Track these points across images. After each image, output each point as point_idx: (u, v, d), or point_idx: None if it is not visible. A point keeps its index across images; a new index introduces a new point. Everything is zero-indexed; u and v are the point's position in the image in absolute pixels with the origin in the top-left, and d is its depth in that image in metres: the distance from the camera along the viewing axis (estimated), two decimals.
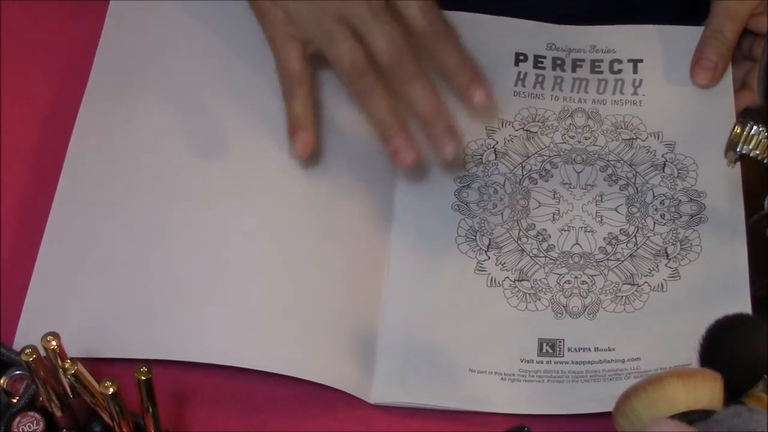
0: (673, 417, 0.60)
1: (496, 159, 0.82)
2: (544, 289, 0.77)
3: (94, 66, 0.85)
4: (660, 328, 0.75)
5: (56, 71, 0.86)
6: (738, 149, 0.75)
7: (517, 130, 0.84)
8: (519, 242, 0.79)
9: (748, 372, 0.66)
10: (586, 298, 0.77)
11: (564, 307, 0.76)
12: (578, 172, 0.82)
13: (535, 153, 0.83)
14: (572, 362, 0.74)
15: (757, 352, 0.65)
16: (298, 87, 0.77)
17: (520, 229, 0.80)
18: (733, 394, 0.65)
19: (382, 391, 0.74)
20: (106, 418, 0.67)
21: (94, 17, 0.86)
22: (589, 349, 0.75)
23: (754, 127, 0.74)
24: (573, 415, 0.73)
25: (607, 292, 0.77)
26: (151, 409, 0.65)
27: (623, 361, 0.74)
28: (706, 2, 0.85)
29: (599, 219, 0.80)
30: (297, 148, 0.77)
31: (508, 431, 0.69)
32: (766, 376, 0.66)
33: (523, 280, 0.78)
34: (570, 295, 0.77)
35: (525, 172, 0.82)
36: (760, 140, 0.74)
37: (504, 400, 0.74)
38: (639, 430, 0.61)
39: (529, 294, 0.77)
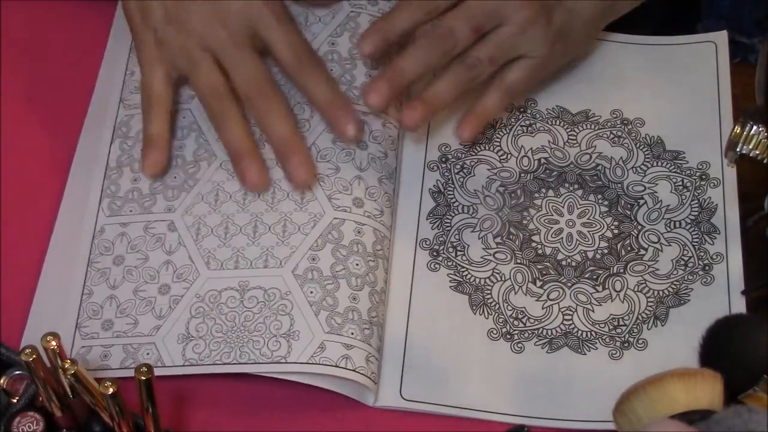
0: (673, 417, 0.60)
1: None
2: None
3: (103, 66, 0.85)
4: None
5: (56, 71, 0.86)
6: (738, 149, 0.75)
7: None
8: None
9: (748, 372, 0.66)
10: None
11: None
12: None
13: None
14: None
15: (757, 352, 0.65)
16: (156, 108, 0.79)
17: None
18: (733, 394, 0.65)
19: (382, 395, 0.74)
20: (106, 418, 0.67)
21: (95, 17, 0.87)
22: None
23: (754, 127, 0.74)
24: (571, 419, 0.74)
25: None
26: (151, 409, 0.65)
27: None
28: (689, 11, 0.84)
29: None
30: (146, 166, 0.79)
31: (509, 431, 0.69)
32: (766, 376, 0.66)
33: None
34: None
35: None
36: (760, 140, 0.74)
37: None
38: (639, 430, 0.61)
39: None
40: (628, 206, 0.81)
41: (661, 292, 0.78)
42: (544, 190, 0.82)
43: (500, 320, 0.77)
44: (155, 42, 0.79)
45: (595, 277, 0.78)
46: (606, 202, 0.81)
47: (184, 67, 0.79)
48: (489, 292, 0.78)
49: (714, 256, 0.79)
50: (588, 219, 0.80)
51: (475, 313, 0.77)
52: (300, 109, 0.81)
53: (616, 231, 0.80)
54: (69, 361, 0.63)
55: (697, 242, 0.79)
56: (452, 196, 0.81)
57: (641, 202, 0.81)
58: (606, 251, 0.79)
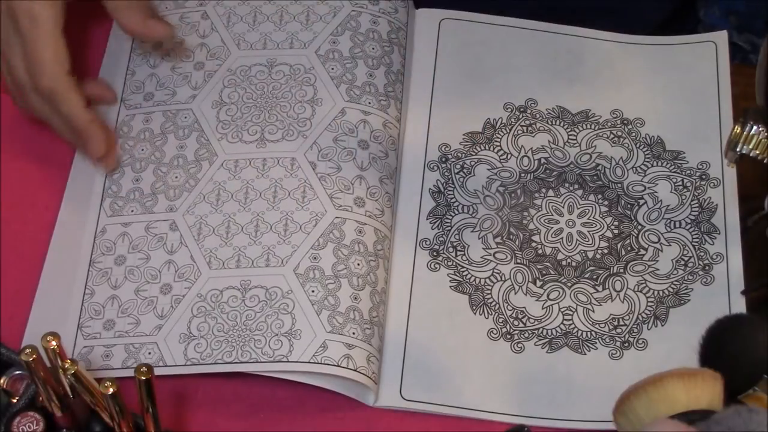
0: (673, 417, 0.60)
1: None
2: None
3: (103, 66, 0.86)
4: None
5: None
6: (738, 149, 0.75)
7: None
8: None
9: (748, 372, 0.66)
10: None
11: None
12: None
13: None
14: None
15: (757, 352, 0.65)
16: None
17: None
18: (733, 394, 0.65)
19: (382, 395, 0.75)
20: (106, 418, 0.67)
21: (95, 17, 0.86)
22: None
23: (754, 127, 0.74)
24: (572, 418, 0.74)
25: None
26: (151, 409, 0.65)
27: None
28: (689, 11, 0.84)
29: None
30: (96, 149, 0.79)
31: (509, 431, 0.69)
32: (766, 376, 0.66)
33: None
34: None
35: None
36: (760, 140, 0.74)
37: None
38: (639, 430, 0.61)
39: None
40: (628, 206, 0.81)
41: (661, 292, 0.78)
42: (544, 190, 0.82)
43: (500, 320, 0.77)
44: None
45: (595, 277, 0.78)
46: (606, 202, 0.81)
47: None
48: (489, 292, 0.78)
49: (714, 256, 0.79)
50: (588, 219, 0.80)
51: (475, 313, 0.77)
52: (300, 108, 0.81)
53: (616, 231, 0.80)
54: (69, 361, 0.63)
55: (697, 242, 0.79)
56: (452, 196, 0.81)
57: (641, 202, 0.81)
58: (606, 251, 0.79)
